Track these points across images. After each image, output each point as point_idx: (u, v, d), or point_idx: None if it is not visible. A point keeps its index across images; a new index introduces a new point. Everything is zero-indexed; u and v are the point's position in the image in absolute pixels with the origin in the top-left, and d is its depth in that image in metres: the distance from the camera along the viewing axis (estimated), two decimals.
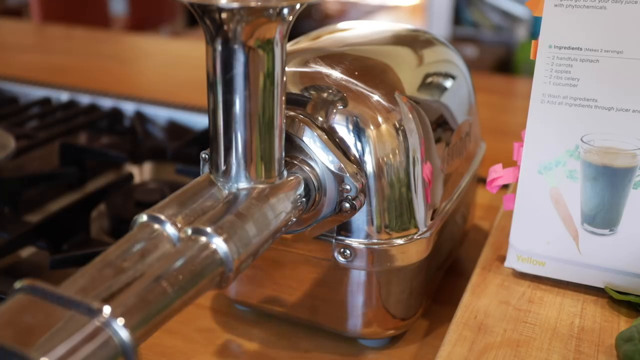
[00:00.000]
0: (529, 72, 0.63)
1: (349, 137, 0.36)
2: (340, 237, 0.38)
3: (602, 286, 0.39)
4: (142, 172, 0.71)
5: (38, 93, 0.89)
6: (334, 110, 0.37)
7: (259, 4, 0.29)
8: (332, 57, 0.39)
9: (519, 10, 2.56)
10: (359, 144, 0.36)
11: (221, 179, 0.33)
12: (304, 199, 0.35)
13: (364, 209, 0.37)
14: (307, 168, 0.36)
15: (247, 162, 0.33)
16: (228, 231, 0.30)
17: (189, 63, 1.16)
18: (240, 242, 0.30)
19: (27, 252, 0.53)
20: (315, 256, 0.39)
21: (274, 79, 0.32)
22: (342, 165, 0.35)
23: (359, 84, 0.38)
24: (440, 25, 2.53)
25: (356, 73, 0.38)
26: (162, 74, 1.13)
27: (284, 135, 0.34)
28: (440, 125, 0.41)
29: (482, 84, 1.01)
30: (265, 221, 0.32)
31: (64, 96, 0.87)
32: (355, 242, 0.37)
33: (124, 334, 0.24)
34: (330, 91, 0.37)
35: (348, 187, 0.35)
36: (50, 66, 1.10)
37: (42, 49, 1.29)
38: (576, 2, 0.36)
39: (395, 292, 0.40)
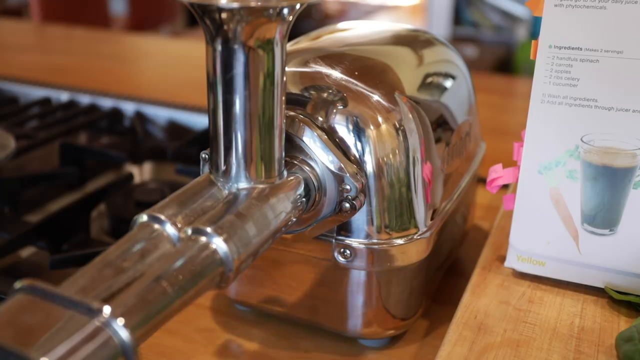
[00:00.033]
0: (529, 72, 0.63)
1: (349, 137, 0.36)
2: (340, 237, 0.38)
3: (602, 286, 0.39)
4: (142, 172, 0.71)
5: (38, 93, 0.89)
6: (334, 110, 0.37)
7: (259, 4, 0.29)
8: (332, 57, 0.39)
9: (519, 10, 2.56)
10: (359, 144, 0.36)
11: (221, 179, 0.33)
12: (304, 199, 0.35)
13: (364, 209, 0.37)
14: (307, 168, 0.36)
15: (247, 162, 0.33)
16: (228, 231, 0.30)
17: (189, 63, 1.16)
18: (240, 242, 0.30)
19: (27, 252, 0.53)
20: (315, 256, 0.39)
21: (274, 79, 0.32)
22: (342, 165, 0.35)
23: (359, 84, 0.38)
24: (440, 25, 2.53)
25: (356, 73, 0.38)
26: (162, 74, 1.13)
27: (284, 135, 0.34)
28: (440, 125, 0.41)
29: (482, 84, 1.01)
30: (265, 221, 0.32)
31: (64, 96, 0.87)
32: (355, 242, 0.37)
33: (124, 334, 0.24)
34: (330, 91, 0.37)
35: (348, 187, 0.35)
36: (50, 66, 1.10)
37: (42, 49, 1.29)
38: (576, 2, 0.36)
39: (395, 292, 0.40)
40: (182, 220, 0.30)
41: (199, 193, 0.32)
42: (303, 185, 0.35)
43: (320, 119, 0.37)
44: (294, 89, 0.38)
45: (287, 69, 0.36)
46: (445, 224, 0.42)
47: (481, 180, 0.51)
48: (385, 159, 0.37)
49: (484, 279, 0.41)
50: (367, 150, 0.36)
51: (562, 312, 0.38)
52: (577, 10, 0.36)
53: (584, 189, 0.38)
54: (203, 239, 0.29)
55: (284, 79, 0.33)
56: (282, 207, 0.33)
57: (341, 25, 0.48)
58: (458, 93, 0.46)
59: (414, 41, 0.46)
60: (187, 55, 1.24)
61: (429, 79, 0.42)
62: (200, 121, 0.79)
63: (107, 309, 0.24)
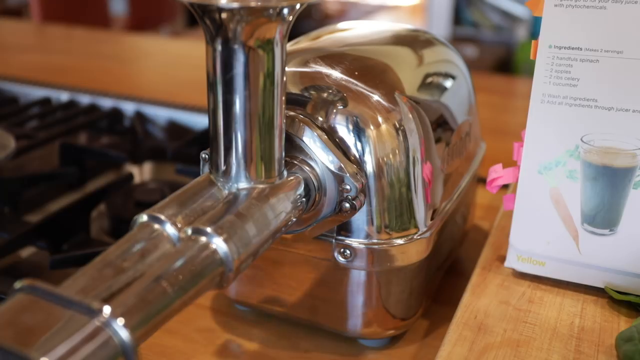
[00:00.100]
0: (529, 72, 0.63)
1: (349, 137, 0.36)
2: (340, 237, 0.38)
3: (602, 286, 0.39)
4: (142, 172, 0.71)
5: (38, 93, 0.89)
6: (334, 110, 0.37)
7: (259, 4, 0.29)
8: (332, 57, 0.39)
9: (519, 10, 2.56)
10: (359, 144, 0.36)
11: (221, 179, 0.33)
12: (304, 199, 0.35)
13: (364, 209, 0.37)
14: (307, 168, 0.36)
15: (247, 162, 0.33)
16: (228, 231, 0.30)
17: (189, 63, 1.16)
18: (240, 242, 0.30)
19: (27, 252, 0.53)
20: (315, 256, 0.39)
21: (274, 79, 0.32)
22: (342, 165, 0.35)
23: (359, 84, 0.38)
24: (440, 25, 2.53)
25: (356, 73, 0.38)
26: (162, 74, 1.13)
27: (284, 135, 0.34)
28: (440, 125, 0.41)
29: (482, 84, 1.01)
30: (265, 221, 0.32)
31: (64, 96, 0.87)
32: (355, 242, 0.37)
33: (124, 334, 0.24)
34: (330, 91, 0.37)
35: (348, 187, 0.35)
36: (50, 66, 1.10)
37: (42, 49, 1.29)
38: (576, 2, 0.36)
39: (395, 292, 0.40)
40: (182, 220, 0.30)
41: (199, 193, 0.32)
42: (303, 185, 0.35)
43: (320, 119, 0.37)
44: (294, 89, 0.38)
45: (287, 69, 0.36)
46: (445, 224, 0.42)
47: (481, 180, 0.51)
48: (385, 159, 0.37)
49: (484, 279, 0.41)
50: (367, 150, 0.36)
51: (562, 312, 0.38)
52: (577, 10, 0.36)
53: (584, 189, 0.38)
54: (203, 239, 0.29)
55: (284, 79, 0.33)
56: (282, 207, 0.33)
57: (341, 25, 0.48)
58: (458, 93, 0.46)
59: (414, 41, 0.46)
60: (187, 55, 1.24)
61: (429, 79, 0.42)
62: (200, 121, 0.79)
63: (107, 309, 0.24)
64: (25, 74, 0.98)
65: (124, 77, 1.07)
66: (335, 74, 0.38)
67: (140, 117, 0.81)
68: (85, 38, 1.39)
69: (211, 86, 0.32)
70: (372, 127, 0.37)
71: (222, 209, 0.31)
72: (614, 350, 0.34)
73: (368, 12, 3.34)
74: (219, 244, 0.29)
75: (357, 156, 0.36)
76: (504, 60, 2.44)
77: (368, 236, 0.37)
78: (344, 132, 0.37)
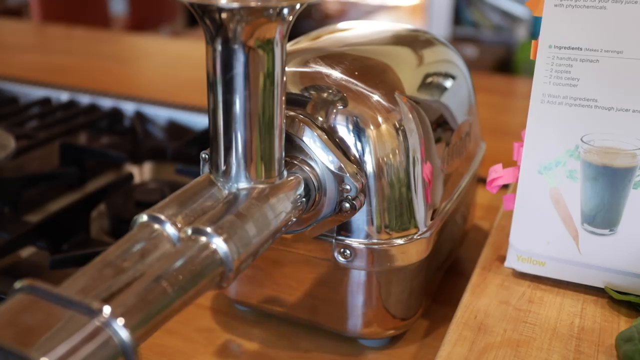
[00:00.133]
0: (529, 72, 0.63)
1: (349, 137, 0.36)
2: (340, 237, 0.38)
3: (602, 286, 0.39)
4: (142, 172, 0.71)
5: (38, 93, 0.89)
6: (334, 110, 0.37)
7: (259, 4, 0.29)
8: (332, 57, 0.39)
9: (519, 10, 2.56)
10: (359, 144, 0.36)
11: (221, 179, 0.33)
12: (304, 199, 0.35)
13: (364, 209, 0.37)
14: (307, 168, 0.36)
15: (247, 162, 0.33)
16: (228, 231, 0.30)
17: (189, 63, 1.17)
18: (240, 242, 0.30)
19: (27, 252, 0.53)
20: (315, 256, 0.39)
21: (274, 79, 0.32)
22: (342, 165, 0.35)
23: (359, 84, 0.38)
24: (440, 25, 2.53)
25: (356, 73, 0.38)
26: (162, 74, 1.13)
27: (284, 135, 0.34)
28: (440, 125, 0.41)
29: (482, 84, 1.01)
30: (265, 221, 0.32)
31: (64, 96, 0.87)
32: (355, 242, 0.37)
33: (124, 334, 0.24)
34: (330, 91, 0.37)
35: (348, 187, 0.35)
36: (50, 66, 1.10)
37: (42, 49, 1.29)
38: (576, 2, 0.36)
39: (395, 292, 0.40)
40: (182, 220, 0.30)
41: (199, 193, 0.32)
42: (303, 185, 0.35)
43: (320, 119, 0.37)
44: (294, 89, 0.38)
45: (287, 69, 0.36)
46: (445, 224, 0.42)
47: (481, 180, 0.51)
48: (385, 159, 0.37)
49: (484, 279, 0.41)
50: (367, 150, 0.36)
51: (562, 312, 0.38)
52: (577, 10, 0.36)
53: (584, 189, 0.38)
54: (203, 239, 0.29)
55: (284, 79, 0.33)
56: (282, 207, 0.33)
57: (341, 25, 0.48)
58: (458, 93, 0.46)
59: (414, 41, 0.46)
60: (187, 55, 1.24)
61: (429, 79, 0.42)
62: (200, 121, 0.79)
63: (107, 309, 0.24)
64: (25, 74, 0.98)
65: (124, 77, 1.07)
66: (335, 74, 0.38)
67: (140, 117, 0.81)
68: (85, 38, 1.39)
69: (211, 86, 0.32)
70: (372, 127, 0.37)
71: (222, 209, 0.31)
72: (614, 350, 0.34)
73: (368, 12, 3.34)
74: (219, 244, 0.29)
75: (357, 156, 0.36)
76: (504, 60, 2.44)
77: (368, 236, 0.37)
78: (344, 132, 0.37)
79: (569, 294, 0.40)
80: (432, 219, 0.40)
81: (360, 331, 0.41)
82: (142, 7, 2.63)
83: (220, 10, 0.29)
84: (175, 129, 0.80)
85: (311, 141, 0.36)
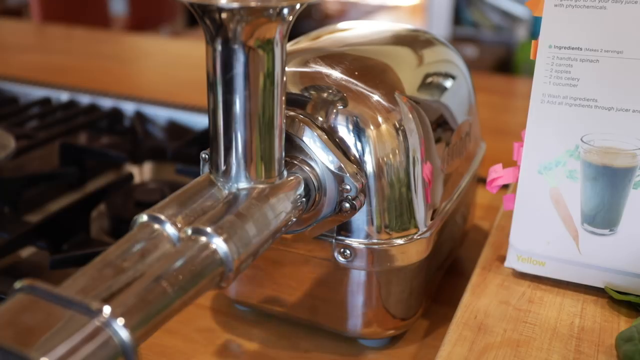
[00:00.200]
0: (529, 72, 0.63)
1: (349, 137, 0.36)
2: (340, 237, 0.38)
3: (602, 286, 0.39)
4: (142, 172, 0.71)
5: (38, 93, 0.89)
6: (334, 110, 0.37)
7: (259, 4, 0.29)
8: (332, 57, 0.39)
9: (519, 10, 2.56)
10: (359, 144, 0.36)
11: (221, 179, 0.33)
12: (304, 199, 0.35)
13: (364, 209, 0.37)
14: (307, 168, 0.36)
15: (247, 162, 0.33)
16: (228, 231, 0.30)
17: (189, 63, 1.17)
18: (240, 242, 0.30)
19: (27, 252, 0.53)
20: (315, 256, 0.39)
21: (274, 79, 0.32)
22: (342, 165, 0.35)
23: (359, 84, 0.38)
24: (440, 25, 2.53)
25: (356, 73, 0.38)
26: (162, 74, 1.13)
27: (284, 135, 0.34)
28: (440, 125, 0.41)
29: (482, 84, 1.01)
30: (265, 221, 0.32)
31: (64, 96, 0.87)
32: (355, 242, 0.37)
33: (124, 334, 0.24)
34: (330, 91, 0.37)
35: (348, 187, 0.35)
36: (50, 66, 1.10)
37: (42, 49, 1.29)
38: (576, 2, 0.36)
39: (395, 292, 0.40)
40: (182, 220, 0.30)
41: (199, 193, 0.32)
42: (303, 185, 0.35)
43: (320, 119, 0.37)
44: (294, 89, 0.38)
45: (287, 69, 0.36)
46: (445, 224, 0.42)
47: (481, 180, 0.51)
48: (385, 159, 0.37)
49: (484, 279, 0.41)
50: (367, 150, 0.36)
51: (562, 312, 0.38)
52: (577, 10, 0.36)
53: (584, 189, 0.38)
54: (203, 239, 0.29)
55: (284, 79, 0.33)
56: (282, 207, 0.33)
57: (341, 25, 0.48)
58: (458, 93, 0.46)
59: (414, 41, 0.46)
60: (187, 55, 1.24)
61: (429, 79, 0.42)
62: (200, 121, 0.79)
63: (107, 309, 0.24)
64: (25, 74, 0.98)
65: (124, 77, 1.07)
66: (335, 74, 0.38)
67: (140, 117, 0.81)
68: (85, 38, 1.39)
69: (211, 86, 0.32)
70: (372, 127, 0.37)
71: (222, 209, 0.31)
72: (614, 350, 0.34)
73: (368, 12, 3.34)
74: (219, 244, 0.29)
75: (357, 156, 0.36)
76: (504, 60, 2.44)
77: (368, 236, 0.37)
78: (344, 132, 0.37)
79: (569, 294, 0.40)
80: (432, 219, 0.40)
81: (360, 331, 0.41)
82: (142, 7, 2.63)
83: (220, 10, 0.29)
84: (175, 129, 0.80)
85: (311, 141, 0.36)
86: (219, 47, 0.30)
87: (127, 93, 0.88)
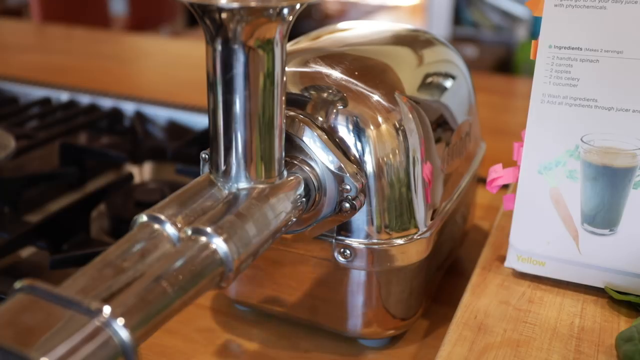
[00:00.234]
0: (529, 72, 0.63)
1: (349, 137, 0.36)
2: (340, 237, 0.38)
3: (602, 286, 0.39)
4: (142, 172, 0.71)
5: (38, 93, 0.89)
6: (334, 110, 0.37)
7: (259, 4, 0.29)
8: (332, 57, 0.39)
9: (519, 10, 2.56)
10: (359, 144, 0.36)
11: (221, 179, 0.33)
12: (304, 199, 0.35)
13: (364, 209, 0.37)
14: (307, 168, 0.36)
15: (247, 162, 0.33)
16: (228, 231, 0.30)
17: (189, 63, 1.17)
18: (240, 242, 0.30)
19: (27, 252, 0.53)
20: (315, 256, 0.39)
21: (274, 79, 0.32)
22: (342, 165, 0.35)
23: (359, 84, 0.38)
24: (440, 25, 2.53)
25: (356, 73, 0.38)
26: (162, 74, 1.13)
27: (284, 135, 0.34)
28: (440, 125, 0.41)
29: (482, 84, 1.01)
30: (265, 221, 0.32)
31: (64, 96, 0.87)
32: (355, 242, 0.37)
33: (124, 334, 0.24)
34: (330, 91, 0.37)
35: (348, 187, 0.35)
36: (50, 66, 1.10)
37: (42, 49, 1.29)
38: (576, 2, 0.36)
39: (395, 292, 0.40)
40: (182, 220, 0.30)
41: (199, 193, 0.32)
42: (303, 185, 0.35)
43: (320, 119, 0.37)
44: (294, 89, 0.38)
45: (287, 69, 0.36)
46: (445, 224, 0.42)
47: (481, 180, 0.51)
48: (385, 159, 0.37)
49: (484, 279, 0.41)
50: (367, 150, 0.36)
51: (562, 312, 0.38)
52: (577, 10, 0.36)
53: (584, 189, 0.38)
54: (203, 239, 0.29)
55: (284, 79, 0.33)
56: (282, 207, 0.33)
57: (341, 25, 0.48)
58: (458, 93, 0.46)
59: (414, 41, 0.46)
60: (187, 55, 1.24)
61: (429, 79, 0.42)
62: (200, 121, 0.79)
63: (107, 309, 0.24)
64: (25, 74, 0.98)
65: (124, 77, 1.07)
66: (335, 74, 0.38)
67: (140, 117, 0.81)
68: (85, 38, 1.39)
69: (211, 86, 0.32)
70: (372, 127, 0.37)
71: (222, 209, 0.31)
72: (614, 350, 0.34)
73: (368, 12, 3.34)
74: (219, 244, 0.29)
75: (357, 156, 0.36)
76: (504, 60, 2.44)
77: (368, 236, 0.37)
78: (344, 132, 0.37)
79: (569, 294, 0.40)
80: (432, 219, 0.40)
81: (360, 331, 0.41)
82: (142, 7, 2.63)
83: (220, 10, 0.29)
84: (175, 129, 0.80)
85: (311, 141, 0.36)
86: (219, 47, 0.30)
87: (127, 93, 0.88)
